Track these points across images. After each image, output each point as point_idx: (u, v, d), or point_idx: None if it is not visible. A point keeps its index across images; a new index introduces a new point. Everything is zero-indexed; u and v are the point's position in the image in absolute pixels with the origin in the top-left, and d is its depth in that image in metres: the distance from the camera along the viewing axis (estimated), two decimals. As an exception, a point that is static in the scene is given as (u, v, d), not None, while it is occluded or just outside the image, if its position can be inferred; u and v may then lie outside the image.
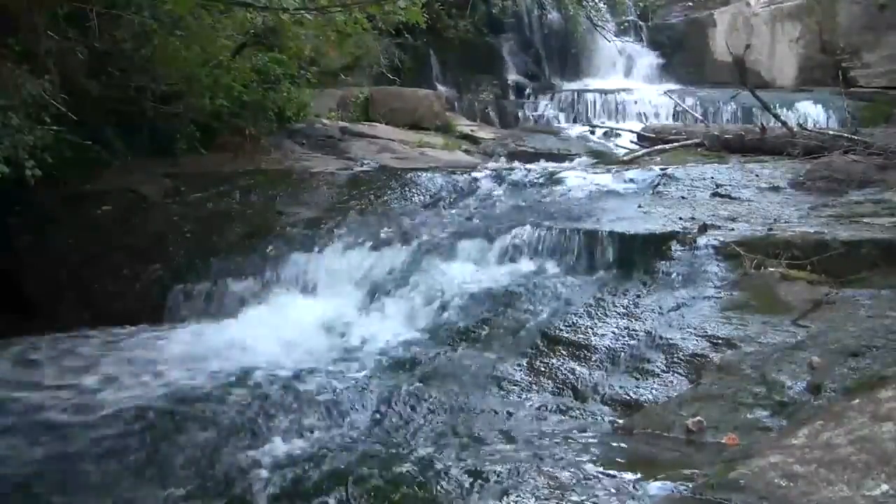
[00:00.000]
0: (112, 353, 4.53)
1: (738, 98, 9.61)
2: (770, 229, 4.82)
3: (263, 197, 6.35)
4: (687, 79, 12.48)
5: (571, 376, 3.82)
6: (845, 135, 7.43)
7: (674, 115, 10.58)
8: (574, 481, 2.77)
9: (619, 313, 4.24)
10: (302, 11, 6.88)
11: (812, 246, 4.45)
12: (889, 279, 4.15)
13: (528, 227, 5.22)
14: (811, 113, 9.72)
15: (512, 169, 7.23)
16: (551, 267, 4.92)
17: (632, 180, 6.43)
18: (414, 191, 6.43)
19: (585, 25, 12.67)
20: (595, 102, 11.21)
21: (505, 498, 2.71)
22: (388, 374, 4.05)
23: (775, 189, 6.04)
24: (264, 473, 3.11)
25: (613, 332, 4.07)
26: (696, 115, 10.05)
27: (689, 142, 8.51)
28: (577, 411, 3.56)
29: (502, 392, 3.78)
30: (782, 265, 4.38)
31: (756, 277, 4.32)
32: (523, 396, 3.74)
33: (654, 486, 2.66)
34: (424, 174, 6.76)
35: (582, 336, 4.09)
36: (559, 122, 11.13)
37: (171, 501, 2.99)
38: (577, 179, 6.54)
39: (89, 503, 3.08)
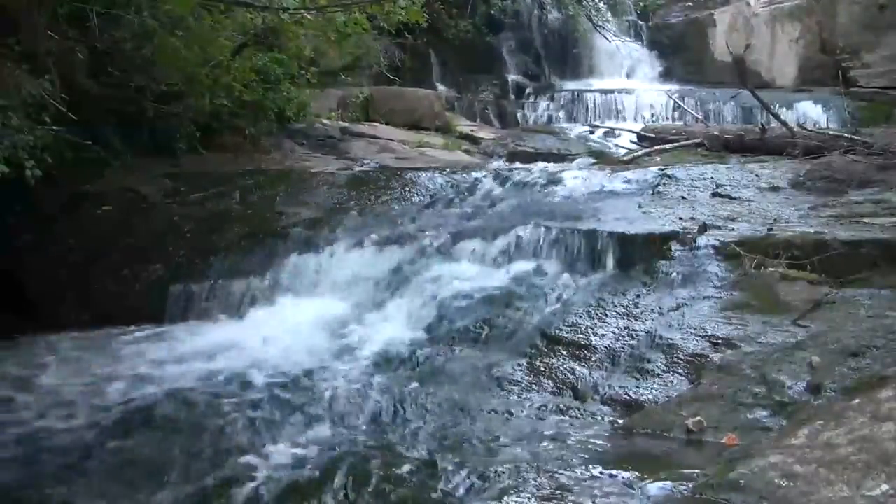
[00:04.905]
0: (112, 353, 4.54)
1: (738, 98, 9.62)
2: (770, 229, 4.82)
3: (263, 197, 6.34)
4: (687, 79, 12.51)
5: (571, 376, 3.81)
6: (845, 135, 7.43)
7: (674, 115, 10.59)
8: (574, 481, 2.77)
9: (619, 313, 4.24)
10: (302, 11, 6.88)
11: (812, 246, 4.44)
12: (889, 279, 4.15)
13: (528, 227, 5.21)
14: (811, 113, 9.73)
15: (512, 169, 7.22)
16: (551, 267, 4.91)
17: (632, 180, 6.41)
18: (414, 191, 6.43)
19: (585, 25, 12.68)
20: (595, 102, 11.23)
21: (505, 498, 2.71)
22: (389, 375, 4.05)
23: (775, 189, 6.04)
24: (264, 473, 3.11)
25: (613, 332, 4.07)
26: (696, 115, 10.06)
27: (689, 142, 8.51)
28: (577, 411, 3.56)
29: (502, 392, 3.78)
30: (782, 265, 4.37)
31: (756, 277, 4.31)
32: (523, 396, 3.74)
33: (654, 486, 2.66)
34: (424, 174, 6.75)
35: (582, 336, 4.09)
36: (559, 122, 11.14)
37: (170, 501, 2.99)
38: (577, 179, 6.53)
39: (88, 503, 3.08)
